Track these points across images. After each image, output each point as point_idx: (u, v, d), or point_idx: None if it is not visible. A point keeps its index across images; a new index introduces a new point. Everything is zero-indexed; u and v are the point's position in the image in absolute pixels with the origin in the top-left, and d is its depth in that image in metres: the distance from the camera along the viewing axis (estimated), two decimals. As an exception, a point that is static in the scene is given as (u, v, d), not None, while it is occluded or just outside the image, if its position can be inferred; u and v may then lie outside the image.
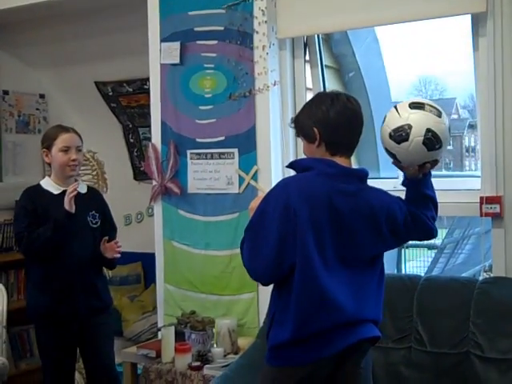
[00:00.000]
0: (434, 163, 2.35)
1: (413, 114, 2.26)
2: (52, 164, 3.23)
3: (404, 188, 2.42)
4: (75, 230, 3.12)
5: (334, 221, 2.19)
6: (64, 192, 3.19)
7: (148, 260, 4.22)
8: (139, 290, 5.14)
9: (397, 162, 2.36)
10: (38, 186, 3.26)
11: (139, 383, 3.36)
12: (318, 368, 2.23)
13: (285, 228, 2.16)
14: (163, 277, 3.83)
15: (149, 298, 4.87)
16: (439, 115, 2.28)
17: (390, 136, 2.28)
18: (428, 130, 2.23)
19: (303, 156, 2.46)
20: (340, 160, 2.28)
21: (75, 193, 3.06)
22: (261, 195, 2.43)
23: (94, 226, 3.26)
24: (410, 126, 2.24)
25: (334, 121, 2.25)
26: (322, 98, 2.34)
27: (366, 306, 2.26)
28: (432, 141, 2.24)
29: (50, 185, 3.23)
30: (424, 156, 2.29)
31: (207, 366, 3.19)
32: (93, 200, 3.30)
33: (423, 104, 2.29)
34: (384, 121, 2.35)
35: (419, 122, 2.25)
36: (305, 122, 2.31)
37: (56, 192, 3.21)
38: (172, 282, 3.79)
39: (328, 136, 2.26)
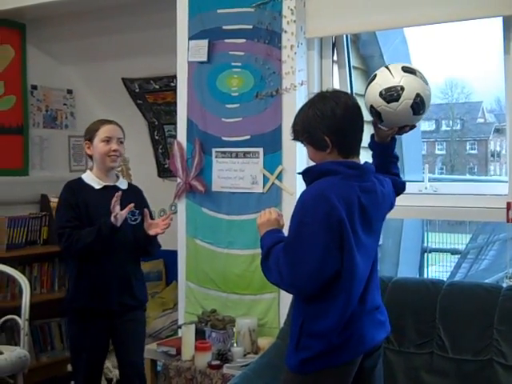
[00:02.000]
0: (412, 127, 2.45)
1: (405, 77, 2.34)
2: (93, 155, 3.22)
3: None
4: None
5: (362, 219, 2.21)
6: (105, 187, 3.19)
7: (170, 257, 4.22)
8: (160, 286, 5.16)
9: (378, 121, 2.41)
10: (80, 179, 3.24)
11: (159, 380, 3.37)
12: (349, 369, 2.22)
13: (328, 237, 2.11)
14: (185, 274, 3.84)
15: (170, 295, 4.89)
16: (426, 83, 2.38)
17: (381, 94, 2.34)
18: (417, 95, 2.32)
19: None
20: (354, 159, 2.27)
21: (122, 215, 3.04)
22: (268, 210, 2.39)
23: (133, 222, 3.21)
24: (402, 88, 2.32)
25: (343, 125, 2.21)
26: (323, 101, 2.24)
27: (377, 294, 2.35)
28: (419, 105, 2.34)
29: (91, 179, 3.22)
30: (408, 119, 2.38)
31: (227, 365, 3.19)
32: (133, 197, 3.24)
33: (414, 70, 2.38)
34: (373, 79, 2.41)
35: (411, 85, 2.33)
36: (312, 131, 2.24)
37: (98, 187, 3.20)
38: (194, 280, 3.80)
39: (340, 142, 2.22)
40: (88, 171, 3.28)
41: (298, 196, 2.29)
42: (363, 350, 2.23)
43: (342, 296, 2.17)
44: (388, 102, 2.33)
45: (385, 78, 2.36)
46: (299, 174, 2.37)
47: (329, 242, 2.11)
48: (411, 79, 2.33)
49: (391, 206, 2.45)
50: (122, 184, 3.30)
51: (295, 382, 2.24)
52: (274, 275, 2.19)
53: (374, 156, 2.54)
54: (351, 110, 2.24)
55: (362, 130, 2.29)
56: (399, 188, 2.54)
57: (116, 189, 3.21)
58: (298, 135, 2.32)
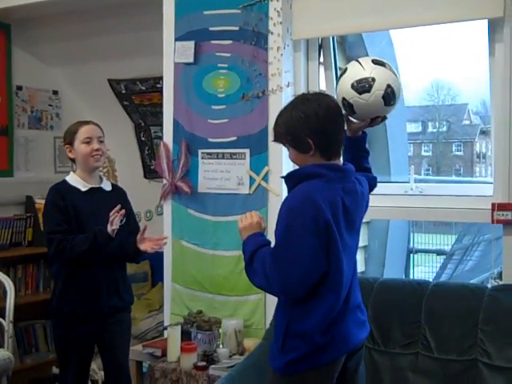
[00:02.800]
0: (384, 119, 2.49)
1: (376, 69, 2.41)
2: (76, 158, 3.20)
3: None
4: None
5: (346, 220, 2.23)
6: (91, 189, 3.18)
7: (156, 259, 4.20)
8: (146, 288, 5.14)
9: (350, 113, 2.45)
10: (65, 182, 3.21)
11: (144, 381, 3.37)
12: (333, 368, 2.24)
13: (316, 240, 2.12)
14: (171, 276, 3.83)
15: (156, 297, 4.88)
16: (396, 75, 2.44)
17: (353, 86, 2.40)
18: (388, 86, 2.38)
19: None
20: (336, 161, 2.29)
21: (116, 226, 3.02)
22: (249, 213, 2.37)
23: (119, 224, 3.14)
24: (373, 79, 2.38)
25: (326, 127, 2.22)
26: (305, 104, 2.24)
27: (357, 292, 2.37)
28: (390, 96, 2.39)
29: (76, 181, 3.19)
30: (379, 110, 2.43)
31: (212, 366, 3.19)
32: (117, 198, 3.24)
33: (384, 62, 2.45)
34: (344, 72, 2.47)
35: (382, 76, 2.39)
36: (295, 134, 2.23)
37: (84, 189, 3.18)
38: (179, 282, 3.79)
39: (323, 144, 2.23)
40: (72, 173, 3.26)
41: (283, 197, 2.30)
42: (348, 349, 2.26)
43: (330, 296, 2.19)
44: (360, 94, 2.38)
45: (356, 71, 2.42)
46: (282, 177, 2.37)
47: (316, 245, 2.13)
48: (381, 71, 2.40)
49: (367, 204, 2.47)
50: (106, 185, 3.29)
51: (280, 382, 2.24)
52: (261, 279, 2.20)
53: (345, 150, 2.53)
54: (334, 112, 2.26)
55: (343, 131, 2.32)
56: (371, 184, 2.55)
57: (101, 191, 3.23)
58: (279, 137, 2.32)
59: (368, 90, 2.36)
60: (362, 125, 2.48)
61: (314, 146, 2.22)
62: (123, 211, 3.07)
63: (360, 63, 2.44)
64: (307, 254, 2.11)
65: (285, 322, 2.23)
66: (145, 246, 3.16)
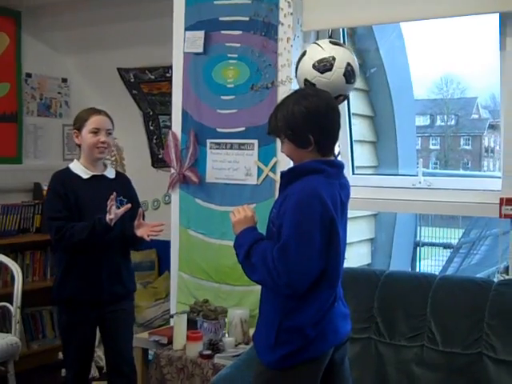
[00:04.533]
0: (345, 98, 2.55)
1: (335, 49, 2.50)
2: (82, 146, 3.20)
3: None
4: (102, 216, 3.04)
5: (341, 214, 2.26)
6: (93, 177, 3.18)
7: (163, 247, 4.23)
8: (153, 276, 5.16)
9: None
10: (67, 169, 3.22)
11: (150, 369, 3.38)
12: (322, 361, 2.25)
13: (322, 235, 2.14)
14: (178, 264, 3.85)
15: (162, 285, 4.90)
16: (353, 54, 2.53)
17: (314, 66, 2.48)
18: (348, 64, 2.47)
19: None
20: (330, 157, 2.30)
21: (114, 216, 2.99)
22: (241, 207, 2.37)
23: (121, 212, 3.09)
24: (333, 58, 2.46)
25: (327, 124, 2.23)
26: (307, 99, 2.22)
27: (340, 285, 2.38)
28: (350, 74, 2.48)
29: (79, 168, 3.19)
30: (341, 88, 2.49)
31: (218, 355, 3.20)
32: (121, 185, 3.24)
33: (341, 43, 2.57)
34: (304, 55, 2.55)
35: (341, 55, 2.48)
36: (297, 129, 2.22)
37: (85, 176, 3.18)
38: (186, 270, 3.80)
39: (322, 140, 2.24)
40: (75, 160, 3.25)
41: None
42: (337, 341, 2.27)
43: (326, 291, 2.22)
44: (322, 73, 2.45)
45: (316, 52, 2.50)
46: (286, 172, 2.33)
47: (322, 240, 2.15)
48: (340, 50, 2.49)
49: None
50: (110, 173, 3.28)
51: (274, 378, 2.25)
52: (261, 274, 2.20)
53: None
54: (333, 107, 2.26)
55: (339, 128, 2.31)
56: None
57: (104, 178, 3.22)
58: (278, 131, 2.29)
59: (329, 69, 2.44)
60: None
61: (313, 141, 2.22)
62: (114, 195, 3.02)
63: (319, 45, 2.52)
64: (315, 248, 2.13)
65: (277, 316, 2.22)
66: (141, 232, 3.14)
